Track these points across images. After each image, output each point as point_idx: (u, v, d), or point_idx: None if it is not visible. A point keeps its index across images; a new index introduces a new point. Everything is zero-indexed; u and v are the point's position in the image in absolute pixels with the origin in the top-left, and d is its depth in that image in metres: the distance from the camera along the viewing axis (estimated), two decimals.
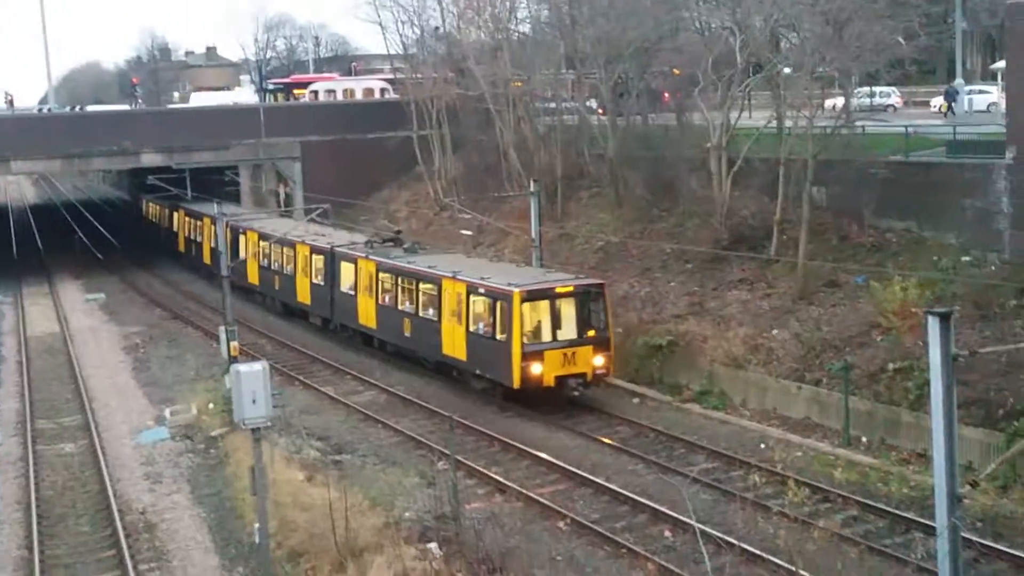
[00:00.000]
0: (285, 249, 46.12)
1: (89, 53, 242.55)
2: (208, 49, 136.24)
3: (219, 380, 33.54)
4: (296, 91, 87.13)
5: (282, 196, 61.47)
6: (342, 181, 55.79)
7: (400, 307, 37.33)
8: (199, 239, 58.00)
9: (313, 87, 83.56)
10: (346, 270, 41.29)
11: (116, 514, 24.96)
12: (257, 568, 21.35)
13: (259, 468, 20.20)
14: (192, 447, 30.23)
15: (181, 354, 41.73)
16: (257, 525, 20.45)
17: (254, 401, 19.83)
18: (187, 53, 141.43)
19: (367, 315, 39.96)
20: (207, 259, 55.13)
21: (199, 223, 57.82)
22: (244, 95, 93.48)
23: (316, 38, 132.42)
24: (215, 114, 65.81)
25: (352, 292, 40.82)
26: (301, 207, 53.05)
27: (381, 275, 38.82)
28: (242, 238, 50.17)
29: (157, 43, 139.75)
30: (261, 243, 47.99)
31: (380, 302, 38.84)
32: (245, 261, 48.12)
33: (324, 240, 44.14)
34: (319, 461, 27.68)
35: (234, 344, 32.77)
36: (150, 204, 71.65)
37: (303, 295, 45.33)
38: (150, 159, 58.21)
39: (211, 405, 32.44)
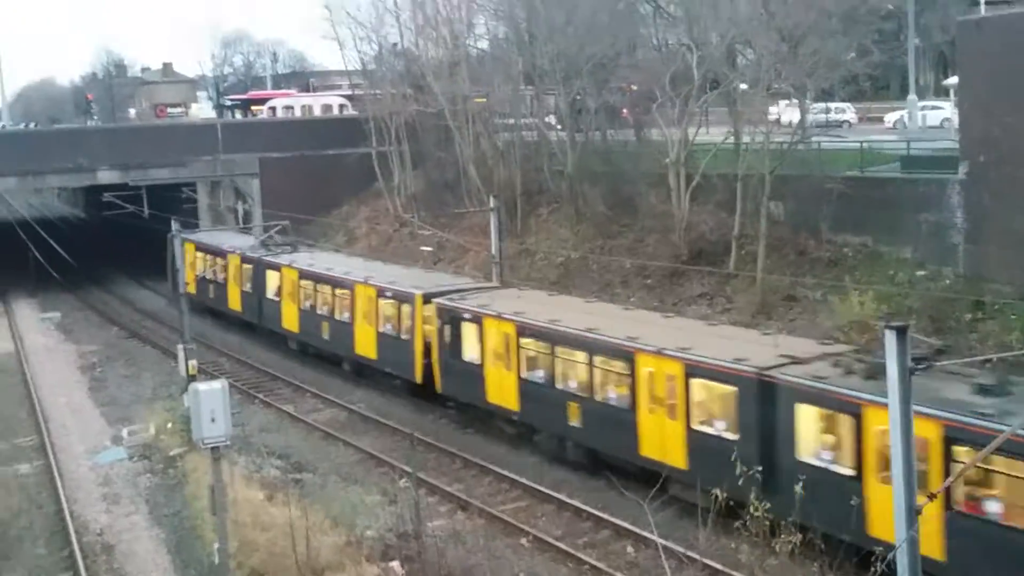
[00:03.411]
0: (339, 291, 38.99)
1: (44, 69, 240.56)
2: (164, 65, 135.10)
3: (177, 399, 33.24)
4: (254, 107, 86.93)
5: (240, 213, 61.10)
6: (301, 197, 55.50)
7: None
8: (220, 279, 50.11)
9: (271, 103, 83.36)
10: (470, 331, 31.55)
11: (73, 535, 24.64)
12: None
13: (218, 487, 20.01)
14: (150, 467, 29.90)
15: (139, 373, 41.33)
16: (217, 545, 20.24)
17: (213, 420, 19.63)
18: (143, 69, 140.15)
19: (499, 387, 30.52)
20: (235, 304, 48.77)
21: (220, 261, 49.94)
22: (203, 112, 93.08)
23: (274, 54, 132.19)
24: (172, 131, 65.52)
25: (478, 361, 31.10)
26: (260, 224, 52.84)
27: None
28: (271, 274, 44.46)
29: (113, 59, 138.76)
30: (302, 283, 41.68)
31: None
32: (279, 302, 43.45)
33: (406, 283, 36.24)
34: (279, 480, 27.47)
35: (192, 363, 32.50)
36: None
37: (366, 347, 37.67)
38: (106, 176, 57.73)
39: (169, 424, 32.10)
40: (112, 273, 67.67)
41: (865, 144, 38.24)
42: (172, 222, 36.47)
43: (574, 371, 27.40)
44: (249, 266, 46.18)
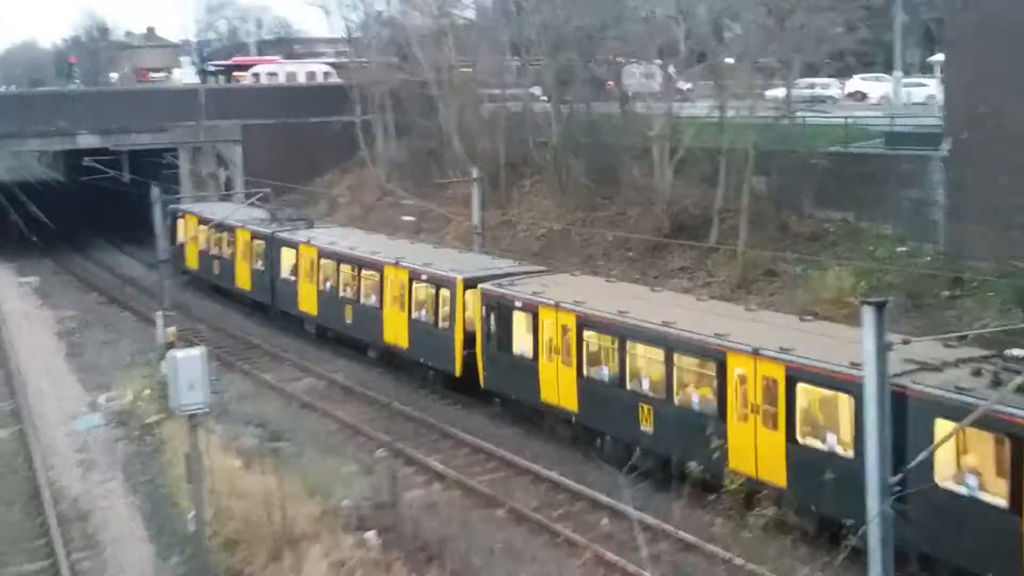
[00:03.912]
0: (366, 273, 35.77)
1: (26, 32, 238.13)
2: (148, 29, 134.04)
3: (155, 366, 33.05)
4: (237, 73, 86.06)
5: (222, 180, 60.74)
6: (283, 165, 55.22)
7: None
8: (227, 255, 46.35)
9: (255, 70, 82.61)
10: (521, 322, 28.61)
11: (48, 502, 24.51)
12: (192, 556, 21.08)
13: (195, 455, 19.92)
14: (127, 434, 29.70)
15: (117, 339, 41.05)
16: (192, 513, 20.18)
17: (191, 387, 19.54)
18: (127, 33, 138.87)
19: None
20: (243, 282, 44.97)
21: (227, 236, 46.05)
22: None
23: (258, 20, 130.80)
24: (154, 95, 64.98)
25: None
26: (241, 191, 52.56)
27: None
28: (286, 252, 40.89)
29: (96, 23, 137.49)
30: (322, 262, 38.40)
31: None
32: (295, 282, 40.02)
33: (443, 265, 32.77)
34: (256, 449, 27.37)
35: (171, 329, 32.32)
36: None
37: (395, 334, 34.04)
38: (87, 140, 57.15)
39: (147, 391, 31.87)
40: (92, 238, 67.17)
41: (849, 120, 38.19)
42: (152, 187, 35.93)
43: (648, 370, 24.38)
44: (261, 242, 42.82)
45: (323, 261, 38.13)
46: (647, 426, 24.21)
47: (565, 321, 26.59)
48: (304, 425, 30.62)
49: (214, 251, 47.09)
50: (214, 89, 71.50)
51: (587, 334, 26.06)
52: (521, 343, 28.25)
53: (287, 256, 40.68)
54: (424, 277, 32.49)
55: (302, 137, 58.52)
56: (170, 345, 30.07)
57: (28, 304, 49.07)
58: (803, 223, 35.32)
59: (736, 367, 21.82)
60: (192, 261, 49.44)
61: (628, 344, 24.70)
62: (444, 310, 31.41)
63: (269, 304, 42.43)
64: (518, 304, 28.29)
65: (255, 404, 32.41)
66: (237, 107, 60.60)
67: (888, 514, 12.74)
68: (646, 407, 24.19)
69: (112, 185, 56.37)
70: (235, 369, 36.56)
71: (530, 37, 47.48)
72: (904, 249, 31.97)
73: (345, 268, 36.91)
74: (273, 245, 41.61)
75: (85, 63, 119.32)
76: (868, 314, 12.63)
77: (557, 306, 26.77)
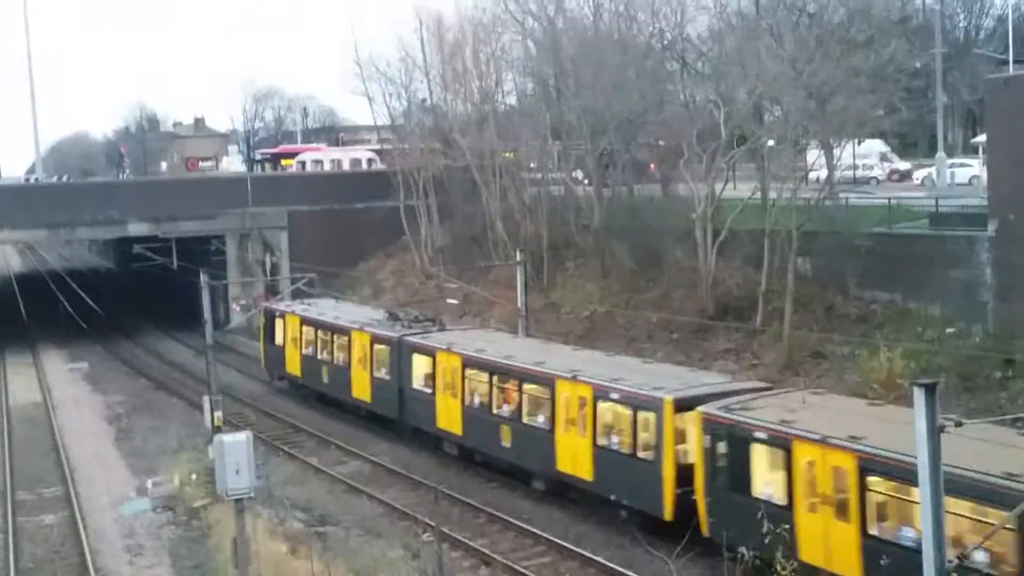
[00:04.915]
0: (529, 388, 30.31)
1: (77, 123, 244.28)
2: (196, 120, 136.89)
3: (202, 450, 33.21)
4: (284, 161, 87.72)
5: (268, 265, 61.50)
6: (329, 250, 55.88)
7: None
8: (339, 361, 40.96)
9: (300, 157, 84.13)
10: (766, 458, 23.18)
11: None
12: None
13: (241, 540, 19.98)
14: (174, 518, 29.84)
15: (164, 424, 41.35)
16: None
17: (237, 471, 19.68)
18: (175, 124, 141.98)
19: None
20: (361, 392, 39.40)
21: (339, 339, 40.91)
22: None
23: (304, 109, 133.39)
24: (202, 184, 66.23)
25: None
26: (287, 276, 53.11)
27: None
28: (419, 359, 35.64)
29: (146, 113, 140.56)
30: (468, 372, 32.86)
31: None
32: (432, 394, 34.55)
33: (635, 379, 27.37)
34: (302, 533, 27.32)
35: (218, 414, 32.52)
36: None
37: (575, 462, 28.37)
38: (136, 228, 58.22)
39: (194, 476, 32.06)
40: (141, 324, 68.11)
41: (893, 200, 38.15)
42: (201, 273, 36.30)
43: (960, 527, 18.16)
44: (384, 347, 37.48)
45: (469, 371, 32.47)
46: None
47: (839, 462, 20.86)
48: (350, 508, 30.56)
49: (323, 356, 41.87)
50: (260, 177, 72.80)
51: (872, 481, 20.15)
52: (766, 485, 22.78)
53: (420, 364, 35.33)
54: (615, 396, 26.85)
55: (347, 223, 59.23)
56: (217, 430, 30.24)
57: (78, 390, 49.68)
58: (849, 304, 35.11)
59: None
60: (293, 367, 44.59)
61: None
62: (645, 437, 25.96)
63: (395, 419, 37.12)
64: (760, 435, 22.80)
65: (301, 488, 32.41)
66: (283, 194, 61.57)
67: None
68: None
69: (161, 272, 57.32)
70: (280, 453, 36.66)
71: (571, 121, 47.99)
72: (953, 330, 31.63)
73: (500, 382, 31.29)
74: (401, 351, 36.32)
75: (135, 153, 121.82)
76: (919, 396, 12.49)
77: (825, 442, 21.17)
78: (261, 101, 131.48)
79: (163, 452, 36.81)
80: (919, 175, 53.68)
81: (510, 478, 31.27)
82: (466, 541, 26.87)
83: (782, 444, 22.21)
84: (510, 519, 28.45)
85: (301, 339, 43.44)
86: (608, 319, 41.87)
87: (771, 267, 35.92)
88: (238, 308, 59.79)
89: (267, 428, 40.02)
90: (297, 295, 47.63)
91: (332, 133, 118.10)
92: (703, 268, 38.45)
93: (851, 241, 34.95)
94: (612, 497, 26.99)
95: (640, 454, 26.03)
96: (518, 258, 38.38)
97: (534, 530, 27.47)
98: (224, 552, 23.38)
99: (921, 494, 12.59)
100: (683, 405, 25.16)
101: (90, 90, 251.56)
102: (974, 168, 50.88)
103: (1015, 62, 48.99)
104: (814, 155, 43.69)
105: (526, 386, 30.10)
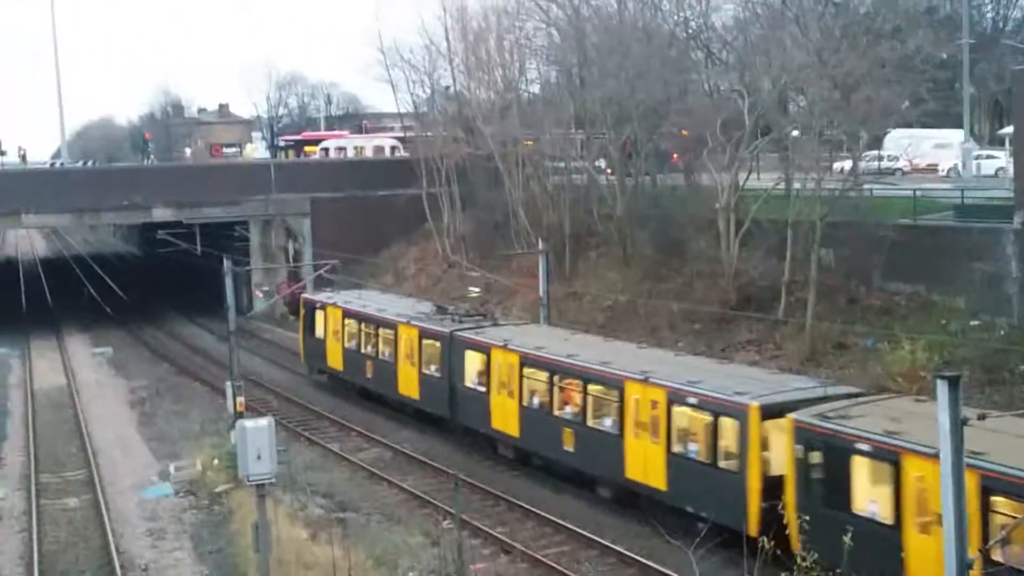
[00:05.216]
0: (595, 389, 28.61)
1: (103, 108, 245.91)
2: (221, 106, 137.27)
3: (225, 435, 33.39)
4: (307, 148, 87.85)
5: (291, 252, 61.71)
6: (351, 238, 56.00)
7: None
8: (384, 356, 39.29)
9: (324, 144, 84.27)
10: (868, 472, 21.52)
11: (118, 570, 24.73)
12: None
13: (263, 525, 20.06)
14: (196, 503, 30.03)
15: (187, 409, 41.59)
16: None
17: (259, 457, 19.76)
18: (200, 110, 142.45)
19: None
20: (408, 388, 37.60)
21: (385, 333, 39.33)
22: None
23: (328, 96, 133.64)
24: (226, 170, 66.44)
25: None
26: (310, 263, 53.29)
27: None
28: (472, 356, 33.90)
29: (170, 99, 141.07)
30: (526, 371, 31.15)
31: None
32: (486, 394, 32.85)
33: (713, 382, 25.61)
34: (323, 519, 27.47)
35: (240, 399, 32.65)
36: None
37: (645, 469, 26.60)
38: (161, 214, 58.53)
39: (216, 461, 32.25)
40: (164, 309, 68.47)
41: (918, 192, 37.91)
42: (224, 259, 36.29)
43: None
44: (434, 342, 35.80)
45: (528, 370, 30.95)
46: None
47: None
48: (370, 495, 30.69)
49: (367, 350, 40.33)
50: (284, 164, 72.99)
51: (997, 501, 18.16)
52: (868, 502, 21.08)
53: (473, 361, 33.75)
54: (692, 400, 25.14)
55: (369, 210, 59.37)
56: (239, 415, 30.37)
57: (101, 374, 50.00)
58: (873, 296, 34.94)
59: None
60: (335, 360, 42.90)
61: None
62: (726, 445, 24.42)
63: (446, 417, 35.44)
64: (863, 447, 20.94)
65: (322, 474, 32.55)
66: (306, 181, 61.77)
67: None
68: None
69: (184, 257, 57.61)
70: (303, 439, 36.82)
71: (595, 110, 47.87)
72: (977, 323, 31.42)
73: (562, 382, 29.77)
74: (453, 347, 34.61)
75: (159, 139, 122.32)
76: (942, 389, 12.44)
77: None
78: (284, 88, 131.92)
79: (185, 437, 37.03)
80: (944, 166, 53.34)
81: (571, 483, 29.54)
82: (486, 529, 26.95)
83: (889, 457, 20.40)
84: (530, 507, 28.50)
85: (343, 332, 41.81)
86: (630, 308, 41.82)
87: (794, 258, 35.78)
88: (261, 294, 60.05)
89: (289, 414, 40.19)
90: (320, 283, 47.68)
91: (355, 120, 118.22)
92: (725, 258, 38.34)
93: (875, 232, 34.77)
94: (689, 509, 24.96)
95: (722, 464, 24.36)
96: (540, 247, 38.35)
97: (554, 519, 27.51)
98: (245, 537, 23.51)
99: (943, 487, 12.54)
100: (770, 412, 23.46)
101: (115, 76, 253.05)
102: (1000, 160, 50.54)
103: None
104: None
105: (591, 387, 28.40)
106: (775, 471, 23.26)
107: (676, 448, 25.53)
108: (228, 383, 33.41)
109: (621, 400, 27.18)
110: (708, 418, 24.68)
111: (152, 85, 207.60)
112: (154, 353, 55.14)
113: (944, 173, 52.54)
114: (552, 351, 30.46)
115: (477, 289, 48.99)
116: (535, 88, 60.72)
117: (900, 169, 53.83)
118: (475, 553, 25.17)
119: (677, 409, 25.47)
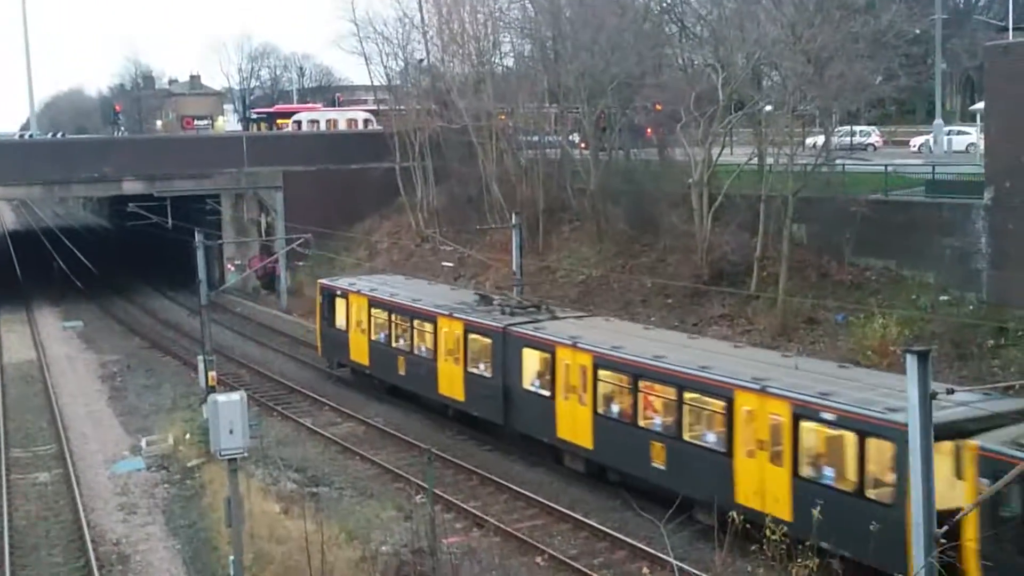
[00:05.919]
0: (690, 396, 24.90)
1: (72, 79, 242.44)
2: (192, 77, 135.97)
3: (196, 410, 33.32)
4: (279, 121, 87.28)
5: (263, 225, 61.39)
6: (324, 211, 55.80)
7: None
8: (421, 352, 35.04)
9: (296, 117, 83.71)
10: None
11: (89, 545, 24.68)
12: None
13: (235, 499, 20.00)
14: (168, 477, 29.96)
15: (159, 383, 41.43)
16: (232, 557, 20.24)
17: (231, 431, 19.65)
18: (171, 81, 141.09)
19: None
20: (452, 389, 33.34)
21: (422, 326, 35.02)
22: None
23: (300, 68, 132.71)
24: (198, 142, 65.87)
25: None
26: (283, 236, 53.03)
27: None
28: (531, 355, 30.10)
29: (141, 71, 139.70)
30: (601, 373, 27.27)
31: None
32: (551, 399, 28.95)
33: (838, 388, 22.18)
34: (296, 493, 27.48)
35: (212, 374, 32.53)
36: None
37: (754, 492, 22.85)
38: (131, 187, 58.00)
39: (188, 435, 32.19)
40: (135, 283, 68.04)
41: (890, 168, 38.09)
42: (196, 233, 35.85)
43: None
44: (483, 338, 31.70)
45: (604, 373, 27.15)
46: None
47: None
48: (343, 469, 30.71)
49: (399, 344, 36.22)
50: (256, 136, 72.40)
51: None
52: None
53: (532, 360, 29.99)
54: (828, 416, 21.29)
55: (342, 183, 59.11)
56: (211, 389, 30.27)
57: (72, 348, 49.69)
58: (844, 271, 35.14)
59: None
60: (359, 354, 38.54)
61: None
62: (876, 471, 20.67)
63: (498, 423, 31.58)
64: None
65: (295, 448, 32.54)
66: (279, 154, 61.37)
67: (933, 566, 12.59)
68: None
69: (155, 231, 57.15)
70: (275, 413, 36.75)
71: (568, 84, 47.75)
72: (947, 298, 31.69)
73: (648, 387, 26.02)
74: (508, 344, 30.63)
75: (130, 110, 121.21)
76: (912, 363, 12.57)
77: None
78: (257, 60, 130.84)
79: (157, 411, 36.93)
80: (916, 142, 53.60)
81: (656, 503, 23.20)
82: (459, 503, 27.03)
83: None
84: (503, 481, 28.60)
85: (370, 323, 37.60)
86: (603, 283, 41.90)
87: (766, 233, 35.94)
88: (233, 268, 59.77)
89: (261, 388, 40.09)
90: (292, 256, 47.44)
91: (328, 93, 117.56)
92: (699, 233, 38.43)
93: (847, 208, 34.94)
94: (823, 544, 18.80)
95: (870, 494, 20.48)
96: (514, 221, 38.30)
97: (526, 492, 27.62)
98: (217, 511, 23.49)
99: (911, 461, 12.68)
100: (939, 433, 19.13)
101: (85, 46, 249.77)
102: (972, 136, 50.82)
103: (1015, 29, 48.74)
104: None
105: (687, 395, 24.67)
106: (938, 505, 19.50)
107: (805, 472, 21.80)
108: (200, 357, 33.29)
109: (729, 412, 23.44)
110: (852, 438, 20.84)
111: (122, 56, 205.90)
112: (125, 327, 54.81)
113: (915, 149, 52.80)
114: (633, 351, 26.63)
115: (450, 264, 48.94)
116: (509, 61, 60.57)
117: (872, 144, 54.07)
118: (448, 527, 25.23)
119: (806, 425, 21.73)
